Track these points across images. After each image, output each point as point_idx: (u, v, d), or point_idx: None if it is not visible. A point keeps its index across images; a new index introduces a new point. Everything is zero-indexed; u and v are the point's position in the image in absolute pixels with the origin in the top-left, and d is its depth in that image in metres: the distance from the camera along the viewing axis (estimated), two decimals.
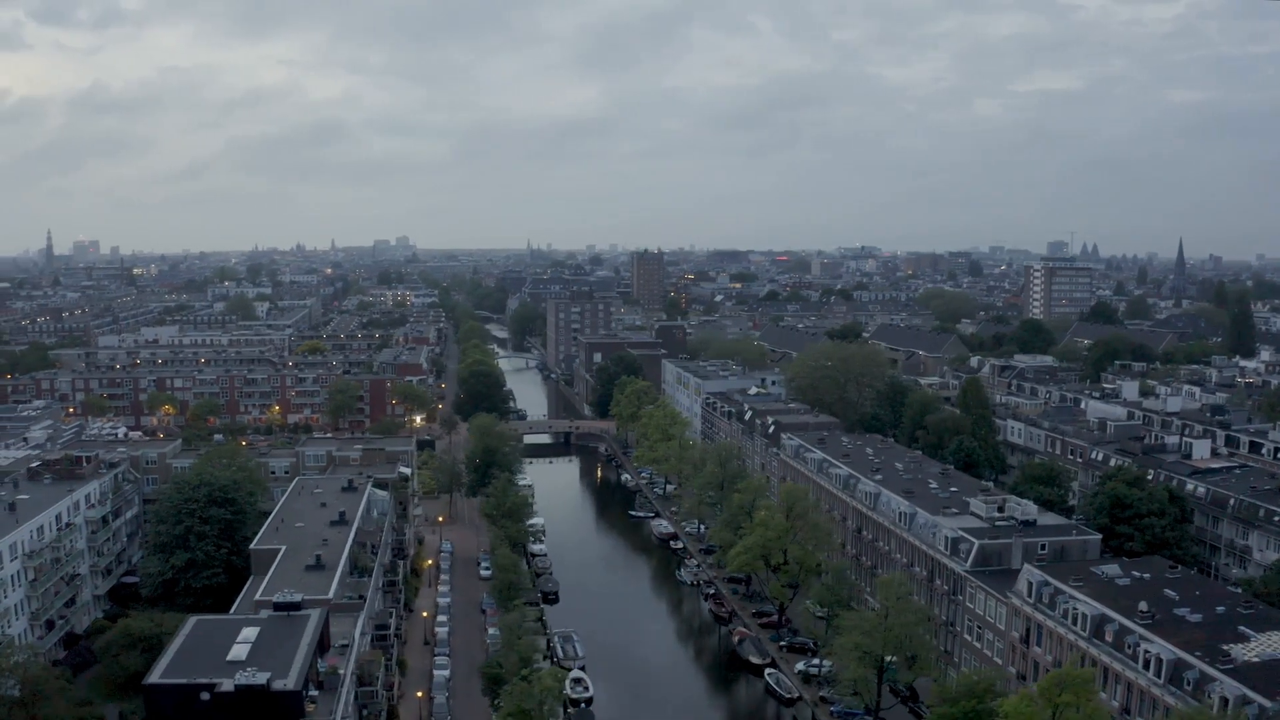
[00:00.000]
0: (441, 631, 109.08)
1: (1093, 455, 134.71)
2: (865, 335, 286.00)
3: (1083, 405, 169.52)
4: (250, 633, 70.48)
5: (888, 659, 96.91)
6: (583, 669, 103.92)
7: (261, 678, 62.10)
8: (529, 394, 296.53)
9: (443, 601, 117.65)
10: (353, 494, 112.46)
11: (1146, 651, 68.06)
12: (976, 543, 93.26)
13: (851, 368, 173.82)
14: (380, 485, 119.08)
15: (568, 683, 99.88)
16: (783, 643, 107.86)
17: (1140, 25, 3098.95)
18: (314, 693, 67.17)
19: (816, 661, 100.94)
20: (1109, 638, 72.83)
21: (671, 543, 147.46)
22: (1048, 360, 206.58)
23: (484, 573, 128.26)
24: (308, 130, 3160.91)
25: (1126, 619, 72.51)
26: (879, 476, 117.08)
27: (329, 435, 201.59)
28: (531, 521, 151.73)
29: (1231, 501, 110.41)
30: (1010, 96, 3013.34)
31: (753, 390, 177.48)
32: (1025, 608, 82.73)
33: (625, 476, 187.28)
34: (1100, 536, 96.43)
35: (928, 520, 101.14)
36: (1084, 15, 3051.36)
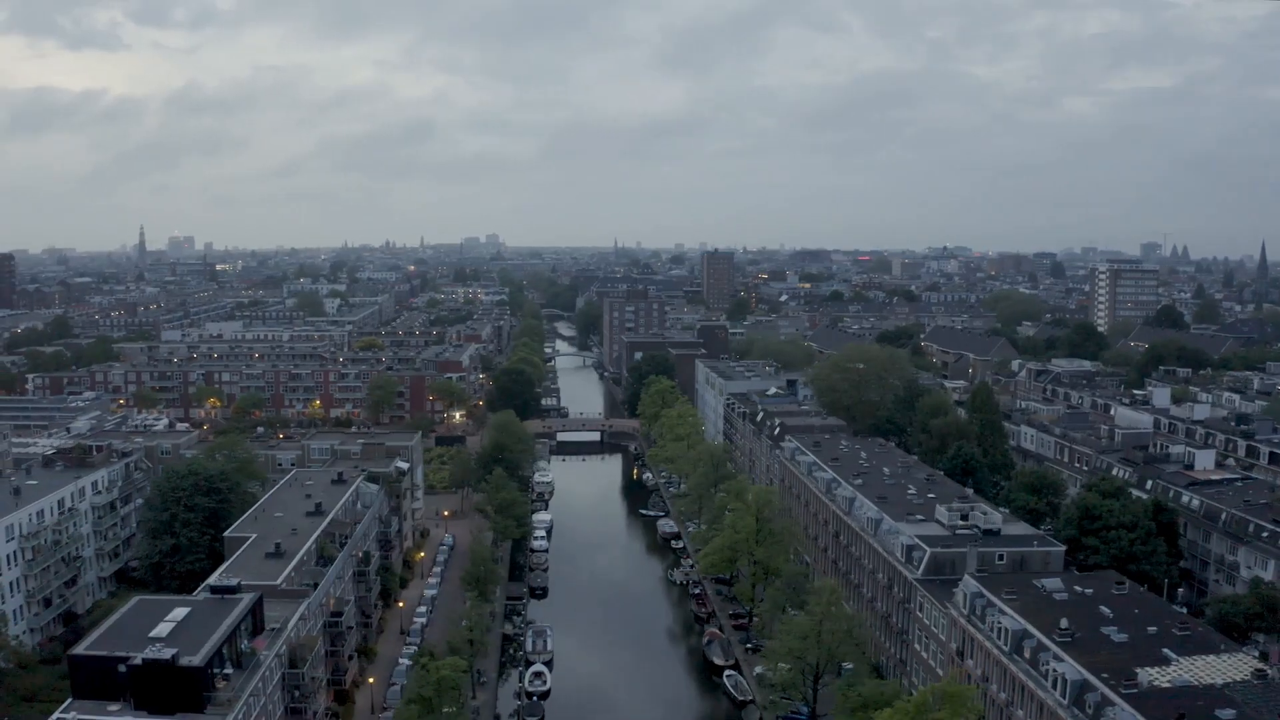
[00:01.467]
0: (419, 622, 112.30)
1: (1097, 463, 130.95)
2: (920, 337, 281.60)
3: (1112, 411, 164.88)
4: (180, 613, 74.49)
5: (846, 666, 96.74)
6: (548, 664, 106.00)
7: (167, 653, 65.81)
8: (584, 392, 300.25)
9: (429, 593, 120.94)
10: (340, 487, 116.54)
11: (1054, 671, 66.48)
12: (928, 551, 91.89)
13: (870, 371, 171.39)
14: (375, 479, 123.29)
15: (528, 676, 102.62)
16: (749, 644, 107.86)
17: (1233, 22, 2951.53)
18: (228, 670, 70.63)
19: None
20: (1027, 654, 71.26)
21: (673, 542, 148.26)
22: (1085, 365, 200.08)
23: None
24: (399, 129, 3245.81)
25: (1045, 635, 70.79)
26: (858, 481, 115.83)
27: (369, 429, 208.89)
28: (538, 517, 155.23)
29: (1223, 515, 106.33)
30: (1102, 94, 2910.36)
31: (771, 391, 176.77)
32: (960, 619, 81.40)
33: (647, 475, 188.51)
34: (1063, 548, 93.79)
35: (891, 526, 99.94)
36: (1176, 12, 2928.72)
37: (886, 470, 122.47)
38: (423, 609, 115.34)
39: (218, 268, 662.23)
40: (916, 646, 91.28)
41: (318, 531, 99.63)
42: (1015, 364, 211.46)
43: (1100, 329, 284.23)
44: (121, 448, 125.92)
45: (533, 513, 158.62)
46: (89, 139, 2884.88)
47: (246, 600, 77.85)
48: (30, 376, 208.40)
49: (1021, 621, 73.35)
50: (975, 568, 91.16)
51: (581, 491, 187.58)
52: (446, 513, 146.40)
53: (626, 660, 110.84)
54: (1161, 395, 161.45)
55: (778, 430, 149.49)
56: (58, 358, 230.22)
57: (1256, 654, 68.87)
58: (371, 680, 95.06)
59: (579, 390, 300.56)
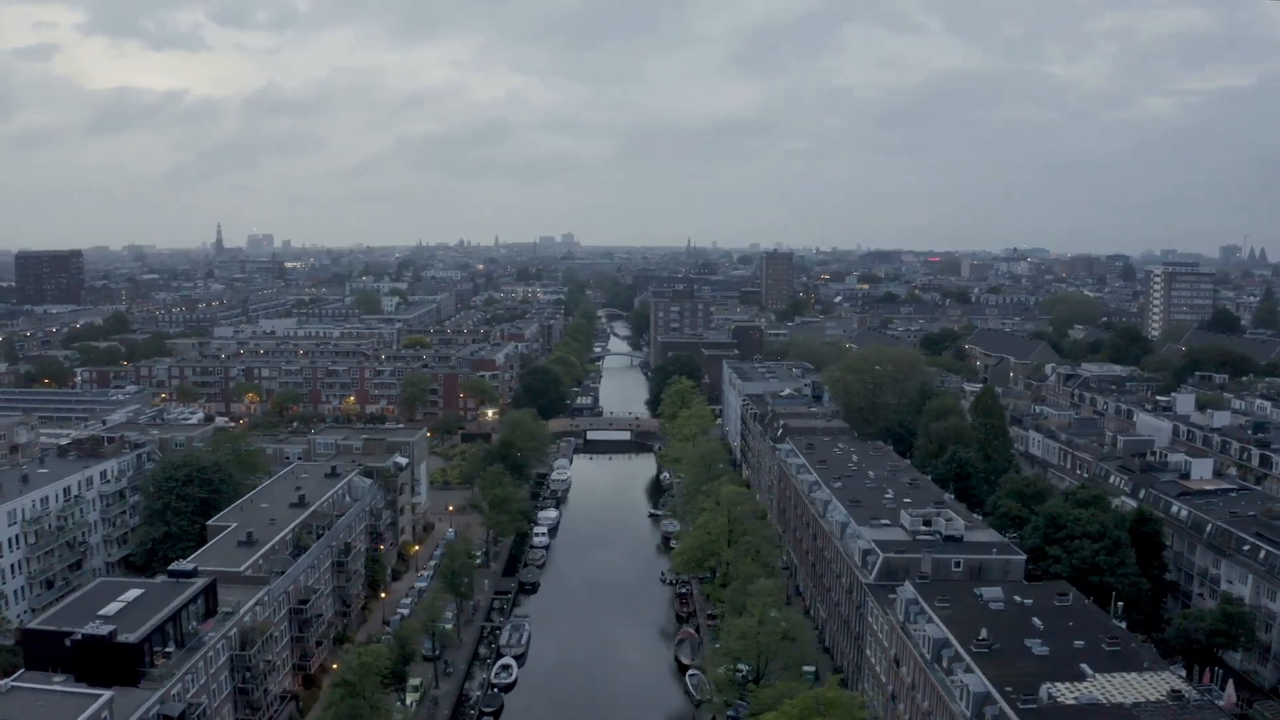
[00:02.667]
0: (402, 612, 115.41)
1: (1096, 470, 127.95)
2: (964, 340, 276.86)
3: (1134, 418, 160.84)
4: (134, 594, 78.81)
5: (807, 669, 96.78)
6: (519, 657, 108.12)
7: (105, 630, 69.91)
8: (627, 391, 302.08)
9: (419, 585, 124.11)
10: (332, 480, 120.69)
11: (961, 682, 65.85)
12: (882, 555, 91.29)
13: (884, 373, 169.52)
14: (370, 474, 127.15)
15: (495, 668, 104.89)
16: (719, 644, 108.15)
17: None
18: (169, 649, 74.43)
19: (742, 665, 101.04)
20: (944, 664, 70.65)
21: (672, 542, 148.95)
22: (1116, 369, 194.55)
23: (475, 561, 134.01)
24: (473, 129, 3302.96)
25: (962, 645, 70.06)
26: (838, 484, 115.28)
27: (401, 425, 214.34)
28: (544, 514, 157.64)
29: (1208, 527, 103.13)
30: (1180, 93, 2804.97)
31: (785, 393, 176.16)
32: (896, 626, 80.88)
33: (665, 475, 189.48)
34: (1024, 557, 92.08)
35: (854, 530, 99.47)
36: (1254, 10, 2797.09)
37: (872, 474, 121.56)
38: (408, 600, 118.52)
39: (287, 265, 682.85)
40: (867, 652, 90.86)
41: (294, 522, 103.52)
42: (1048, 368, 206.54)
43: (1154, 333, 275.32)
44: (134, 439, 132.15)
45: (540, 509, 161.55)
46: (170, 138, 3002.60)
47: (198, 585, 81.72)
48: (79, 370, 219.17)
49: (944, 630, 72.64)
50: (930, 574, 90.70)
51: (600, 490, 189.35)
52: (451, 507, 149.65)
53: (600, 656, 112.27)
54: (1185, 401, 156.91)
55: (780, 431, 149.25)
56: (111, 352, 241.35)
57: (1183, 675, 66.95)
58: (335, 666, 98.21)
59: (622, 389, 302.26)
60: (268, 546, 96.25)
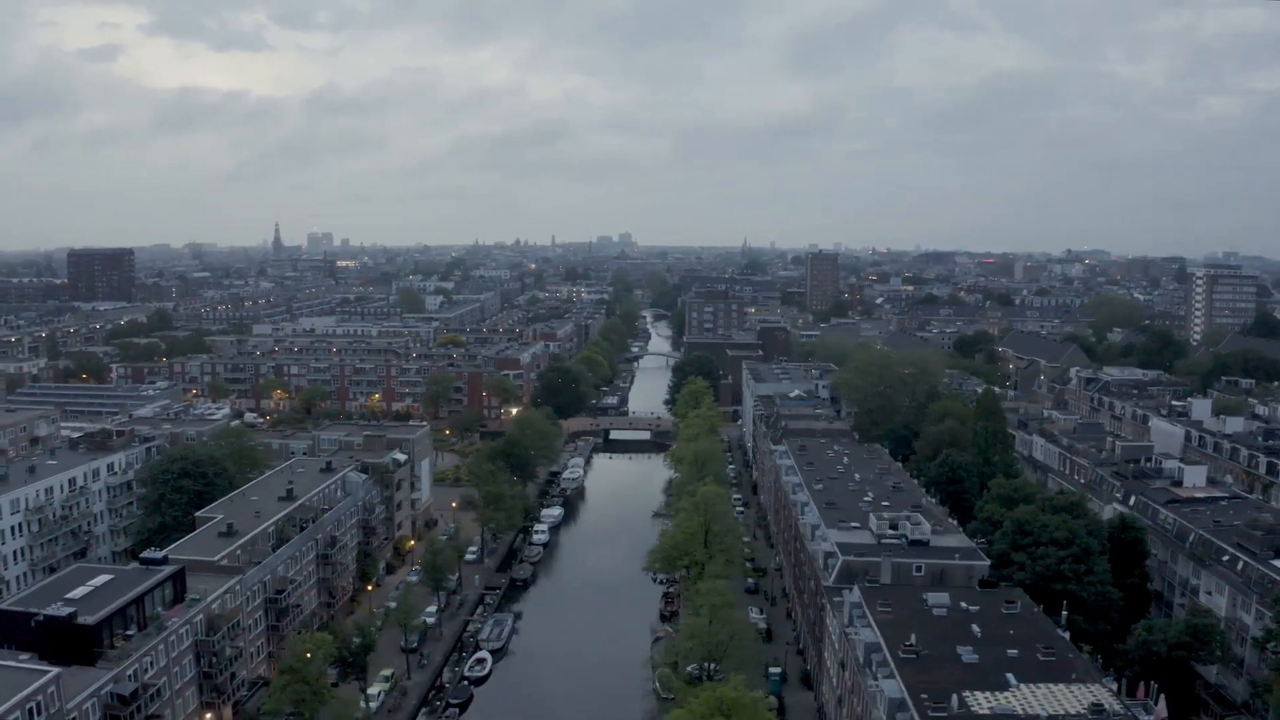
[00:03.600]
0: (390, 604, 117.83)
1: (1092, 476, 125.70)
2: (998, 342, 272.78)
3: (1149, 423, 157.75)
4: (102, 579, 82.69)
5: (772, 670, 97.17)
6: (497, 651, 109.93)
7: (65, 611, 73.47)
8: (660, 391, 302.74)
9: (413, 579, 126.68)
10: (326, 475, 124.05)
11: (880, 687, 65.79)
12: (841, 558, 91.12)
13: (891, 374, 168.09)
14: (365, 469, 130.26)
15: (470, 661, 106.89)
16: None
17: None
18: (130, 631, 77.78)
19: (710, 664, 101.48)
20: (873, 668, 70.52)
21: None
22: (1139, 373, 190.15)
23: (469, 556, 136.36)
24: (530, 129, 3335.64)
25: (891, 651, 69.87)
26: (819, 486, 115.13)
27: (424, 422, 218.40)
28: (547, 511, 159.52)
29: (1191, 536, 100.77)
30: (1245, 94, 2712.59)
31: (794, 394, 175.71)
32: (842, 630, 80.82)
33: (675, 474, 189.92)
34: (987, 563, 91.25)
35: (822, 532, 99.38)
36: None
37: (858, 476, 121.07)
38: (396, 592, 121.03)
39: (339, 264, 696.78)
40: (825, 654, 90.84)
41: (278, 515, 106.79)
42: (1072, 371, 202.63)
43: (1195, 336, 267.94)
44: (145, 433, 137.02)
45: (545, 507, 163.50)
46: (231, 138, 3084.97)
47: (165, 572, 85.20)
48: (114, 366, 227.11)
49: (877, 635, 72.52)
50: (890, 578, 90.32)
51: (611, 489, 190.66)
52: (455, 504, 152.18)
53: (578, 653, 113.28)
54: (1201, 407, 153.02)
55: (779, 432, 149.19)
56: (150, 349, 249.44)
57: (1113, 688, 65.75)
58: (308, 655, 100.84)
59: (654, 389, 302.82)
60: (246, 538, 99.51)
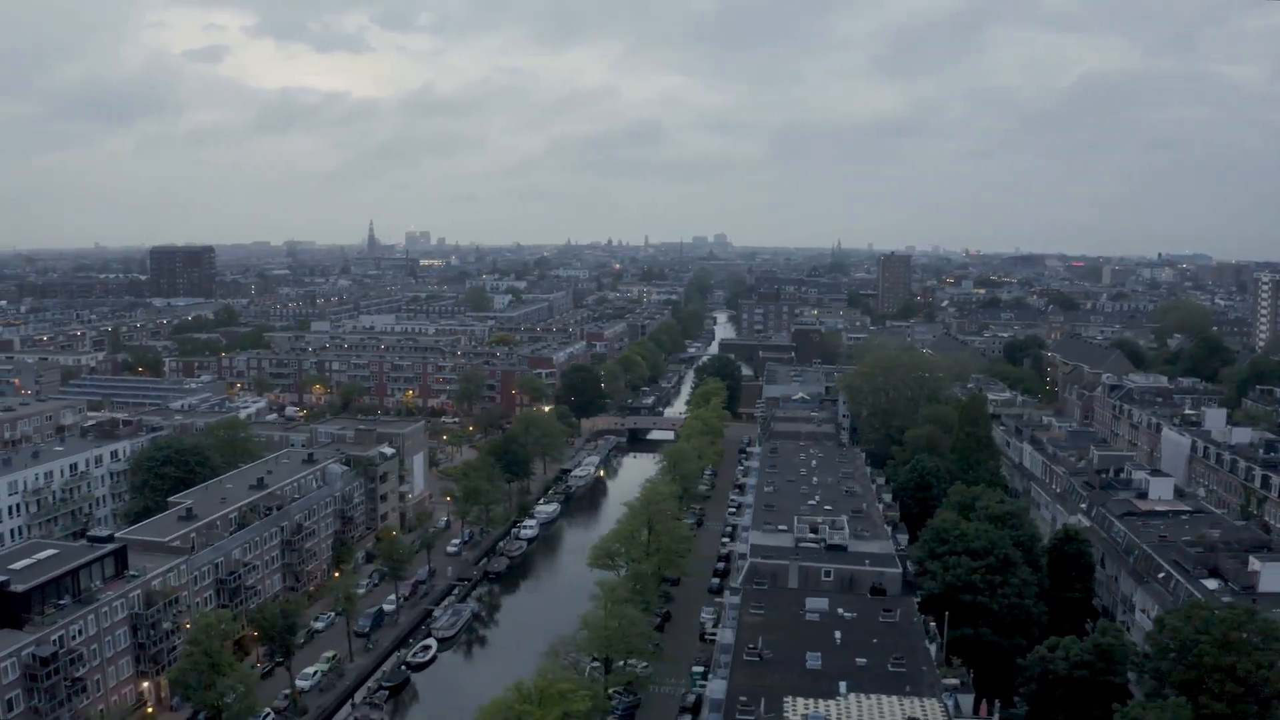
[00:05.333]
0: (359, 591, 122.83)
1: (1066, 485, 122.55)
2: (1048, 347, 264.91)
3: (1160, 432, 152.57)
4: (47, 554, 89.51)
5: (695, 668, 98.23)
6: (445, 639, 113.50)
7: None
8: None
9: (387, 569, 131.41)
10: (307, 466, 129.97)
11: (708, 687, 66.63)
12: (750, 560, 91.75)
13: (893, 378, 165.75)
14: (348, 462, 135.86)
15: (416, 648, 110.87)
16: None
17: None
18: (63, 601, 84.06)
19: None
20: (718, 669, 71.18)
21: None
22: (1162, 381, 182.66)
23: (450, 549, 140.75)
24: (625, 130, 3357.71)
25: (737, 654, 70.48)
26: (769, 488, 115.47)
27: (455, 419, 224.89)
28: (541, 508, 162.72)
29: (1136, 551, 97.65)
30: None
31: (797, 396, 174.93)
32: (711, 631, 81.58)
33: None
34: (899, 570, 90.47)
35: (747, 534, 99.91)
36: None
37: (816, 479, 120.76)
38: (365, 580, 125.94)
39: (422, 263, 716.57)
40: None
41: (240, 502, 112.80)
42: (1105, 377, 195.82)
43: (1260, 342, 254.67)
44: (151, 423, 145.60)
45: (542, 503, 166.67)
46: (331, 138, 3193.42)
47: (105, 549, 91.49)
48: (166, 360, 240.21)
49: (730, 637, 73.25)
50: (796, 582, 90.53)
51: (621, 488, 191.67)
52: (449, 498, 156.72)
53: (525, 643, 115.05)
54: (1215, 417, 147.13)
55: (765, 434, 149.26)
56: (210, 344, 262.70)
57: (948, 705, 64.87)
58: (255, 633, 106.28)
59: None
60: (202, 522, 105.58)
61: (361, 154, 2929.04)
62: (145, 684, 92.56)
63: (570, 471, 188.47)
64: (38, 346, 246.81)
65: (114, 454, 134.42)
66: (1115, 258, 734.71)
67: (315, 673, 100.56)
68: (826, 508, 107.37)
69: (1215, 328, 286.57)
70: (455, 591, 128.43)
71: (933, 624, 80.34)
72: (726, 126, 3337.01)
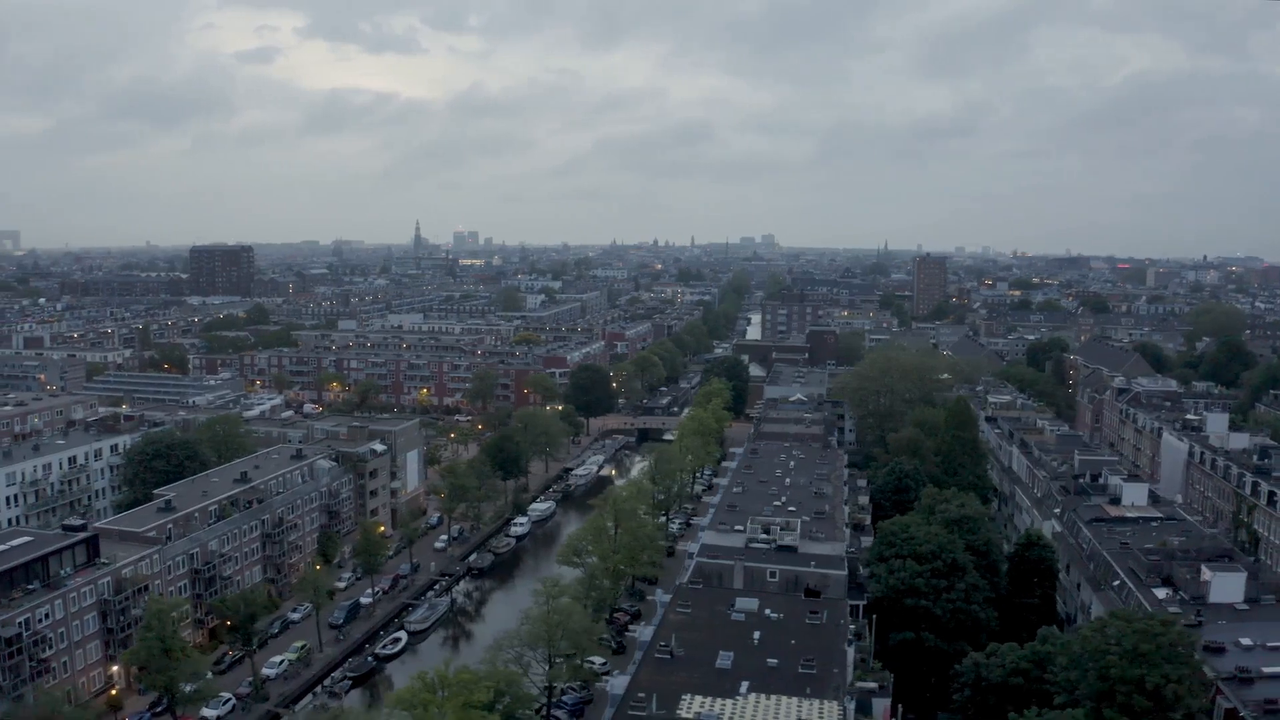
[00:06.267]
0: (339, 585, 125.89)
1: (1045, 490, 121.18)
2: (1070, 351, 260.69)
3: (1160, 437, 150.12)
4: (21, 541, 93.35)
5: None
6: (417, 633, 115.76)
7: None
8: None
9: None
10: (295, 461, 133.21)
11: (611, 685, 67.52)
12: (695, 560, 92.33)
13: (888, 380, 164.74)
14: (337, 458, 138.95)
15: (386, 640, 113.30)
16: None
17: None
18: (32, 586, 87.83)
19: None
20: (630, 666, 71.93)
21: None
22: (1171, 385, 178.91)
23: (437, 545, 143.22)
24: (672, 130, 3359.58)
25: (650, 650, 71.01)
26: (737, 489, 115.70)
27: (469, 417, 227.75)
28: (535, 506, 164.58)
29: (1097, 559, 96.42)
30: None
31: (794, 397, 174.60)
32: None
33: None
34: (844, 572, 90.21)
35: (701, 534, 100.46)
36: None
37: (788, 481, 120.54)
38: (347, 574, 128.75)
39: (462, 262, 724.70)
40: None
41: (220, 496, 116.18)
42: (1117, 381, 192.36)
43: None
44: (154, 418, 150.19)
45: (538, 501, 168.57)
46: (380, 138, 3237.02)
47: (78, 537, 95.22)
48: (191, 357, 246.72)
49: (648, 634, 73.98)
50: (741, 583, 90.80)
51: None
52: (443, 494, 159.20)
53: (493, 636, 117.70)
54: (1217, 421, 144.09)
55: (752, 434, 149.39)
56: (237, 342, 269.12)
57: (855, 707, 64.96)
58: (228, 622, 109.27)
59: None
60: (180, 514, 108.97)
61: (410, 154, 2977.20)
62: (115, 668, 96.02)
63: (572, 470, 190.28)
64: (68, 344, 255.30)
65: (114, 448, 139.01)
66: (1161, 260, 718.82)
67: (282, 661, 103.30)
68: (790, 509, 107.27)
69: (1248, 331, 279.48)
70: (436, 587, 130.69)
71: (866, 627, 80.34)
72: (773, 127, 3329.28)
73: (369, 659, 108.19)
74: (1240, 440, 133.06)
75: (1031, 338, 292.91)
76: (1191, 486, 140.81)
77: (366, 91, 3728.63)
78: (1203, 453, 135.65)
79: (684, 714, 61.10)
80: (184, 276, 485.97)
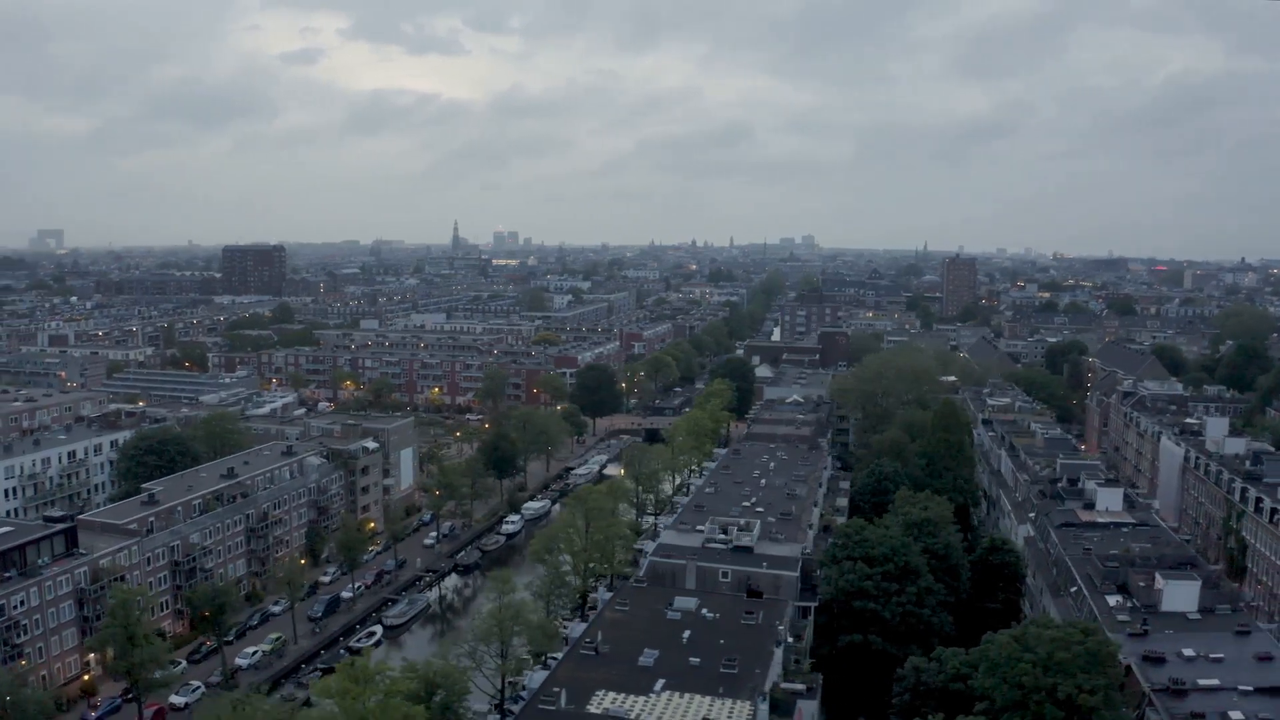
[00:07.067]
0: (324, 579, 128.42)
1: (1026, 494, 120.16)
2: (1089, 354, 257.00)
3: (1160, 441, 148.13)
4: (2, 531, 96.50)
5: None
6: (392, 627, 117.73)
7: None
8: None
9: (364, 558, 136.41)
10: (287, 458, 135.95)
11: (529, 679, 68.52)
12: (649, 559, 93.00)
13: (884, 382, 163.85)
14: (328, 456, 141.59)
15: (361, 633, 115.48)
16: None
17: None
18: (9, 574, 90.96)
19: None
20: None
21: None
22: (1177, 389, 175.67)
23: (426, 541, 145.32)
24: (711, 131, 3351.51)
25: (575, 646, 71.99)
26: (710, 490, 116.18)
27: (480, 416, 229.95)
28: (529, 504, 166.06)
29: (1060, 565, 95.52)
30: None
31: (790, 399, 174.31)
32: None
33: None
34: (796, 574, 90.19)
35: (662, 534, 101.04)
36: None
37: (764, 482, 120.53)
38: (332, 568, 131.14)
39: (495, 262, 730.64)
40: None
41: (207, 489, 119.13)
42: (1128, 383, 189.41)
43: None
44: (156, 414, 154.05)
45: (534, 499, 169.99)
46: (420, 139, 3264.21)
47: (57, 528, 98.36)
48: (210, 355, 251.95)
49: (577, 630, 74.86)
50: (694, 583, 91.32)
51: None
52: (438, 492, 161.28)
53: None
54: (1216, 426, 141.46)
55: (742, 435, 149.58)
56: (258, 340, 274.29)
57: (769, 707, 65.16)
58: (206, 613, 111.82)
59: None
60: (162, 508, 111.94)
61: (451, 154, 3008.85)
62: (91, 655, 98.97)
63: (574, 469, 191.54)
64: (92, 341, 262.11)
65: (114, 443, 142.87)
66: (1201, 261, 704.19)
67: (255, 652, 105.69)
68: (759, 509, 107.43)
69: (1276, 334, 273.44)
70: (420, 583, 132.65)
71: (807, 628, 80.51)
72: (812, 127, 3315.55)
73: (341, 651, 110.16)
74: (1237, 445, 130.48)
75: (1053, 340, 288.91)
76: (1187, 492, 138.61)
77: (409, 92, 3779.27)
78: (1197, 458, 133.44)
79: (593, 710, 61.88)
80: (217, 276, 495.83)
